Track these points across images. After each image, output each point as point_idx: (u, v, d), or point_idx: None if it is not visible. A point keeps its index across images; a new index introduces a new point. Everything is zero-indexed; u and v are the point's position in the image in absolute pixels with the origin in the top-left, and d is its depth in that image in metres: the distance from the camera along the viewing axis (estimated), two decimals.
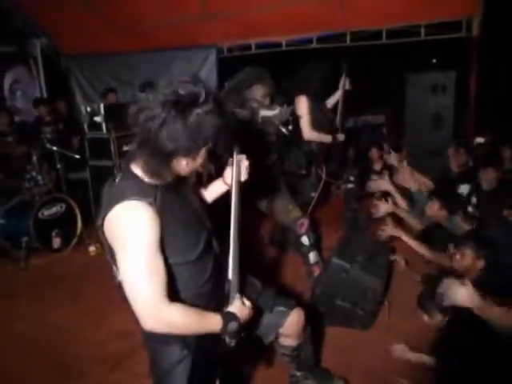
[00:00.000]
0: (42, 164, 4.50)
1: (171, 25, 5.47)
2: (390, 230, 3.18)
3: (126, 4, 5.37)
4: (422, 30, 4.98)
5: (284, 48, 5.66)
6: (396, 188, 4.29)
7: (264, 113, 3.14)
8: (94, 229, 4.77)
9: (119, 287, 1.42)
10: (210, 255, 1.58)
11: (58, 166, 4.71)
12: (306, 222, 3.33)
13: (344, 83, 4.06)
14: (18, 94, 6.14)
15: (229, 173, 1.78)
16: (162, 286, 1.32)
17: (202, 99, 1.32)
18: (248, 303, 1.55)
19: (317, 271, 3.35)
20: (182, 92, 1.32)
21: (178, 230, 1.43)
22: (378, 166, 5.41)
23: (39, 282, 3.75)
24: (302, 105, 3.68)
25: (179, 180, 1.47)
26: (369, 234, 3.84)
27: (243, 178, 1.75)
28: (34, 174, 4.33)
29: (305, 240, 3.37)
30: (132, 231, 1.30)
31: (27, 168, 4.37)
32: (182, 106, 1.30)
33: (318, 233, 3.78)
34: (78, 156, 4.74)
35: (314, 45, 5.51)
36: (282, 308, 1.88)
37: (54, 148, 4.63)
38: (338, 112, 4.04)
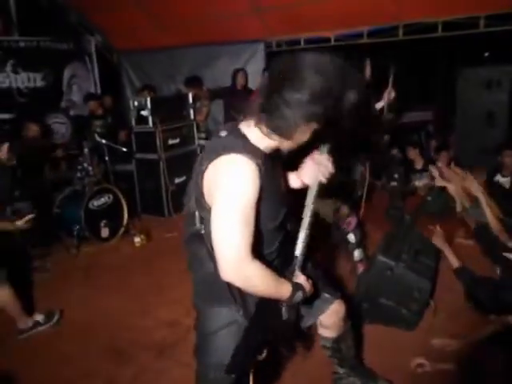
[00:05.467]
0: (92, 156, 4.68)
1: (218, 20, 5.50)
2: (437, 239, 3.05)
3: (176, 1, 5.45)
4: (482, 22, 4.72)
5: (332, 43, 5.56)
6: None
7: None
8: (138, 220, 4.98)
9: (191, 237, 1.51)
10: (282, 230, 1.62)
11: (106, 158, 4.88)
12: (353, 220, 3.34)
13: (389, 94, 3.94)
14: (74, 89, 6.41)
15: (307, 171, 1.74)
16: (250, 242, 1.35)
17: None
18: (310, 280, 1.61)
19: (361, 268, 3.33)
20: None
21: (269, 198, 1.43)
22: (419, 165, 5.23)
23: (89, 269, 3.91)
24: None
25: (278, 152, 1.50)
26: (414, 233, 3.74)
27: (323, 178, 1.69)
28: (85, 165, 4.50)
29: (351, 238, 3.37)
30: (236, 183, 1.32)
31: (79, 159, 4.55)
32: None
33: (363, 230, 3.73)
34: (124, 149, 4.88)
35: (365, 39, 5.36)
36: (327, 295, 1.88)
37: (103, 141, 4.80)
38: (383, 116, 3.93)
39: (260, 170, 1.35)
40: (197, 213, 1.48)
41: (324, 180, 1.68)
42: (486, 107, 5.46)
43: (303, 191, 1.73)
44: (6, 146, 3.19)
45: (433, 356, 2.43)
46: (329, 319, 1.91)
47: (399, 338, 2.69)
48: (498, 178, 4.36)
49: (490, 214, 3.14)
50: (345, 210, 3.32)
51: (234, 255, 1.33)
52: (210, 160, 1.37)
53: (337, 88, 1.29)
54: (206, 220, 1.43)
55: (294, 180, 1.81)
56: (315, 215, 1.65)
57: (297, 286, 1.51)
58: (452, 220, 3.97)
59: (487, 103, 5.45)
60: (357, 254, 3.36)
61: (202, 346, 1.63)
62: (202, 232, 1.47)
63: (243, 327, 1.52)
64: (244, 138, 1.42)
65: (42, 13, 5.83)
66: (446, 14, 4.78)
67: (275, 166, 1.55)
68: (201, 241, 1.46)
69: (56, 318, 3.10)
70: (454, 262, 2.89)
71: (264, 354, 1.56)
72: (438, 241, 2.99)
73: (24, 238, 3.56)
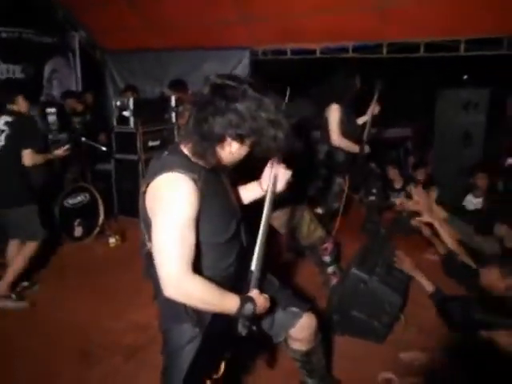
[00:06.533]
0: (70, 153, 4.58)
1: (207, 25, 5.50)
2: (407, 266, 3.08)
3: (165, 4, 5.44)
4: (462, 46, 4.87)
5: (318, 55, 5.62)
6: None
7: None
8: (114, 220, 4.91)
9: (146, 257, 1.54)
10: (237, 242, 1.66)
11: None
12: (329, 246, 3.38)
13: (373, 108, 4.04)
14: (54, 84, 6.28)
15: (266, 178, 1.80)
16: (189, 258, 1.39)
17: (253, 92, 1.42)
18: (265, 295, 1.59)
19: (334, 280, 3.35)
20: (233, 83, 1.42)
21: (214, 211, 1.51)
22: (398, 185, 5.34)
23: (61, 268, 3.84)
24: (335, 113, 3.70)
25: (220, 167, 1.55)
26: (389, 247, 3.81)
27: (279, 187, 1.76)
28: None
29: (327, 259, 3.41)
30: (172, 200, 1.38)
31: None
32: (233, 96, 1.39)
33: (338, 249, 3.78)
34: (104, 148, 4.80)
35: (350, 54, 5.44)
36: (294, 309, 1.88)
37: (83, 138, 4.72)
38: (365, 131, 4.01)
39: (196, 185, 1.40)
40: (146, 233, 1.53)
41: (280, 187, 1.75)
42: (463, 128, 5.61)
43: (261, 205, 1.73)
44: (20, 97, 3.25)
45: (401, 370, 2.46)
46: (299, 333, 1.91)
47: (369, 350, 2.71)
48: (470, 198, 4.49)
49: (448, 238, 3.24)
50: (319, 232, 3.34)
51: (173, 271, 1.36)
52: (149, 182, 1.44)
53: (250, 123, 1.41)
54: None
55: (256, 188, 1.86)
56: (270, 228, 1.66)
57: (245, 299, 1.49)
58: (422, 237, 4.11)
59: (464, 124, 5.59)
60: (330, 269, 3.40)
61: (169, 366, 1.65)
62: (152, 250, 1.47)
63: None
64: (182, 155, 1.49)
65: (26, 5, 5.70)
66: (428, 35, 4.91)
67: (220, 179, 1.62)
68: (153, 261, 1.45)
69: (23, 304, 3.18)
70: (428, 287, 2.88)
71: (221, 371, 1.53)
72: (408, 268, 3.00)
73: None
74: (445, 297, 2.82)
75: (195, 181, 1.41)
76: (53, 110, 3.74)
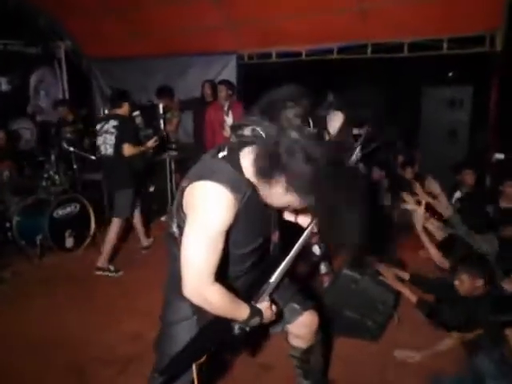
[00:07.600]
0: (59, 164, 4.57)
1: (192, 31, 5.54)
2: (391, 281, 3.12)
3: (149, 11, 5.46)
4: (445, 44, 4.95)
5: (304, 58, 5.67)
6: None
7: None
8: (106, 230, 4.87)
9: (167, 235, 1.57)
10: (254, 255, 1.64)
11: (75, 166, 4.77)
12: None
13: (368, 127, 4.01)
14: (41, 94, 6.27)
15: (305, 222, 1.78)
16: (213, 267, 1.40)
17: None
18: (274, 308, 1.65)
19: (327, 281, 3.36)
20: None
21: (244, 227, 1.46)
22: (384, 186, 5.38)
23: (51, 280, 3.79)
24: (338, 121, 3.67)
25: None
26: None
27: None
28: (51, 173, 4.40)
29: (316, 249, 3.39)
30: (209, 212, 1.34)
31: (45, 167, 4.43)
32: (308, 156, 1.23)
33: (329, 249, 3.78)
34: (93, 157, 4.78)
35: (335, 55, 5.50)
36: (295, 305, 1.90)
37: (71, 149, 4.70)
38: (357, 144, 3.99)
39: (236, 203, 1.35)
40: (175, 218, 1.51)
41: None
42: (449, 125, 5.68)
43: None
44: (126, 103, 4.01)
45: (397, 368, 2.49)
46: (299, 329, 1.93)
47: (362, 350, 2.73)
48: (458, 194, 4.53)
49: (428, 243, 3.37)
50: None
51: (195, 277, 1.40)
52: (192, 181, 1.38)
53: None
54: (181, 228, 1.46)
55: (291, 216, 1.86)
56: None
57: (256, 312, 1.55)
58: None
59: (449, 121, 5.67)
60: (322, 266, 3.40)
61: (161, 334, 1.72)
62: (176, 236, 1.51)
63: (194, 330, 1.58)
64: (236, 165, 1.39)
65: (9, 16, 5.69)
66: (411, 35, 4.99)
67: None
68: (175, 242, 1.50)
69: (120, 273, 3.95)
70: (412, 298, 2.93)
71: (203, 359, 1.58)
72: (392, 282, 3.03)
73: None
74: (430, 303, 2.86)
75: (237, 200, 1.35)
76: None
